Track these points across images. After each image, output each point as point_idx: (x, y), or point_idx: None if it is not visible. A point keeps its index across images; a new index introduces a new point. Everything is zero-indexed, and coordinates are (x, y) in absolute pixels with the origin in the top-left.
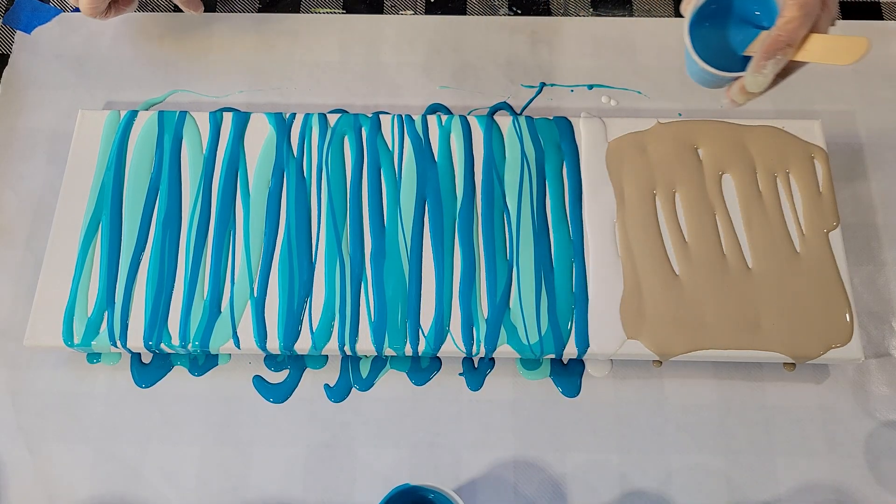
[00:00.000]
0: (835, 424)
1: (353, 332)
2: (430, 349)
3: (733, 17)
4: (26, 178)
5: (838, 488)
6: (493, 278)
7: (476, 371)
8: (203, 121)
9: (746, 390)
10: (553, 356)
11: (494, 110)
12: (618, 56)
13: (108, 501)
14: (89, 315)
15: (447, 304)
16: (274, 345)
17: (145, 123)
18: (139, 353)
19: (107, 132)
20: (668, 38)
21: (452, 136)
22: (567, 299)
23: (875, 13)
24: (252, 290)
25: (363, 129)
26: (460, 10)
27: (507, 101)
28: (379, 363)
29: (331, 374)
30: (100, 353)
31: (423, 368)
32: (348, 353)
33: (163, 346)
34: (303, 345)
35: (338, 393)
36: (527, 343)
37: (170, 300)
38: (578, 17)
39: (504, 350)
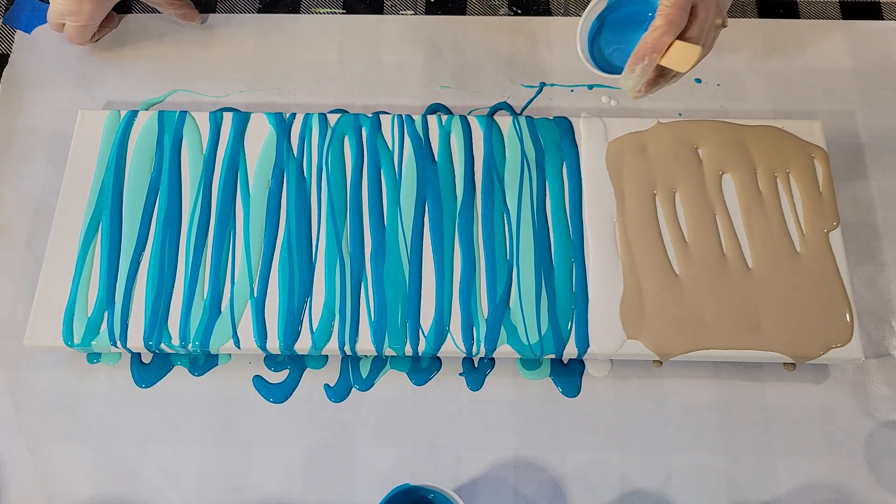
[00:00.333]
0: (835, 424)
1: (353, 332)
2: (430, 349)
3: (634, 23)
4: (26, 178)
5: (838, 488)
6: (493, 278)
7: (476, 371)
8: (203, 121)
9: (746, 390)
10: (553, 356)
11: (494, 110)
12: None
13: (109, 501)
14: (89, 315)
15: (447, 304)
16: (274, 345)
17: (145, 123)
18: (139, 353)
19: (107, 132)
20: None
21: (452, 136)
22: (567, 299)
23: (875, 13)
24: (252, 290)
25: (363, 129)
26: (460, 10)
27: (507, 101)
28: (379, 363)
29: (331, 374)
30: (100, 353)
31: (423, 368)
32: (348, 353)
33: (163, 346)
34: (303, 345)
35: (338, 393)
36: (527, 343)
37: (170, 300)
38: (579, 17)
39: (504, 350)
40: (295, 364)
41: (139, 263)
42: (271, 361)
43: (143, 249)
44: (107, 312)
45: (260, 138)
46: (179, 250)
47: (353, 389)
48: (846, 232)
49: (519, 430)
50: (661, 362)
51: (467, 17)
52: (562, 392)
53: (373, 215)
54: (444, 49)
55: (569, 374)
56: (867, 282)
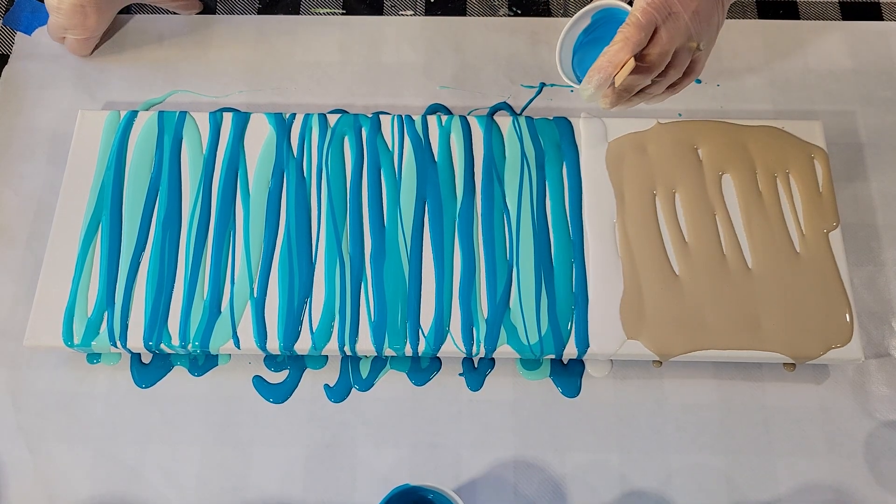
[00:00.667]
0: (835, 425)
1: (353, 332)
2: (430, 349)
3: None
4: (26, 179)
5: (838, 488)
6: (493, 278)
7: (476, 371)
8: (203, 121)
9: (746, 390)
10: (553, 356)
11: (494, 110)
12: None
13: (109, 501)
14: (89, 315)
15: (447, 305)
16: (274, 345)
17: (145, 124)
18: (139, 354)
19: (107, 132)
20: None
21: (452, 136)
22: (567, 299)
23: (875, 14)
24: (252, 290)
25: (363, 129)
26: (460, 10)
27: (507, 102)
28: (379, 363)
29: (331, 374)
30: (100, 354)
31: (423, 368)
32: (348, 353)
33: (163, 346)
34: (303, 345)
35: (338, 393)
36: (527, 343)
37: (170, 300)
38: None
39: (504, 350)
40: (295, 364)
41: (139, 263)
42: (271, 362)
43: (143, 249)
44: (107, 313)
45: (260, 138)
46: (179, 250)
47: (353, 389)
48: (846, 232)
49: (519, 430)
50: (661, 362)
51: (467, 17)
52: (562, 392)
53: (373, 215)
54: (443, 49)
55: (569, 375)
56: (867, 282)
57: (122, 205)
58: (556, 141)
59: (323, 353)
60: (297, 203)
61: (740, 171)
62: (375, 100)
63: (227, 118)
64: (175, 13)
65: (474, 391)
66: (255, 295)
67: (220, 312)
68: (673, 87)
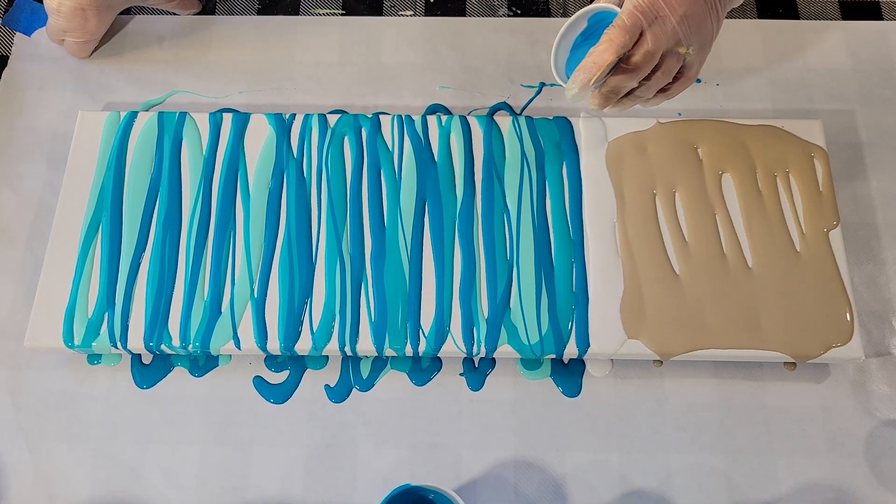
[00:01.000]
0: (835, 424)
1: (353, 332)
2: (431, 349)
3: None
4: (26, 179)
5: (839, 488)
6: (494, 278)
7: (476, 371)
8: (203, 121)
9: (747, 390)
10: (553, 356)
11: (494, 110)
12: None
13: (109, 502)
14: (89, 316)
15: (447, 305)
16: (274, 345)
17: (145, 124)
18: (139, 354)
19: (106, 133)
20: None
21: (452, 136)
22: (567, 299)
23: (875, 13)
24: (252, 290)
25: (363, 129)
26: (460, 10)
27: (507, 101)
28: (379, 363)
29: (331, 374)
30: (100, 354)
31: (423, 368)
32: (349, 353)
33: (163, 346)
34: (303, 345)
35: (338, 393)
36: (527, 343)
37: (170, 301)
38: None
39: (504, 350)
40: (295, 364)
41: (139, 264)
42: (271, 362)
43: (144, 250)
44: (107, 313)
45: (260, 139)
46: (179, 251)
47: (354, 390)
48: (846, 231)
49: (519, 430)
50: (662, 362)
51: (467, 17)
52: (562, 392)
53: (373, 215)
54: (443, 49)
55: (569, 374)
56: (867, 281)
57: (122, 205)
58: (556, 140)
59: (323, 354)
60: (297, 203)
61: (740, 170)
62: (375, 100)
63: (227, 118)
64: (174, 14)
65: (475, 391)
66: (256, 295)
67: (220, 313)
68: (666, 91)
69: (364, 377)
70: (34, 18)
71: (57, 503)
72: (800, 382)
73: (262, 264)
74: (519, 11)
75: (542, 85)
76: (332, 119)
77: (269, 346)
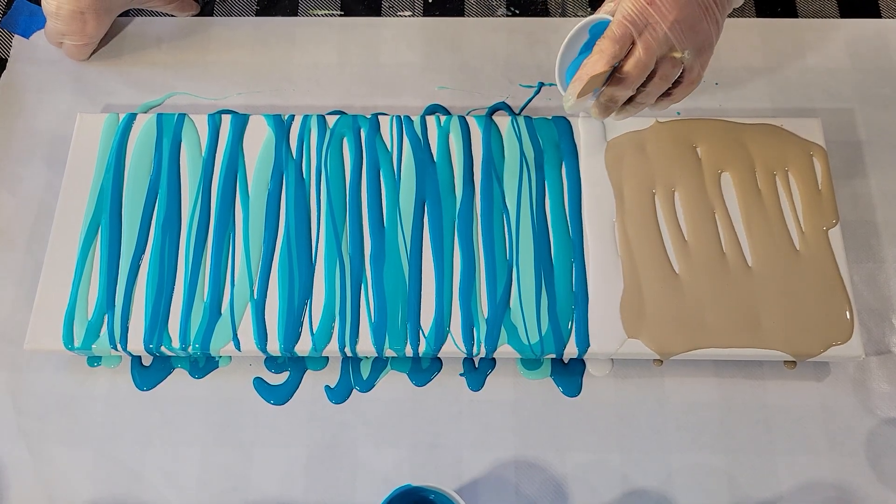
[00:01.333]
0: (836, 422)
1: (353, 333)
2: (431, 350)
3: None
4: (26, 182)
5: (839, 486)
6: (493, 278)
7: (477, 371)
8: (202, 123)
9: (747, 389)
10: (553, 356)
11: (493, 110)
12: None
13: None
14: (89, 318)
15: (447, 305)
16: (274, 346)
17: (144, 126)
18: (139, 356)
19: (105, 135)
20: None
21: (451, 136)
22: (567, 299)
23: (873, 11)
24: (252, 291)
25: (362, 129)
26: (458, 11)
27: (506, 101)
28: (379, 364)
29: (331, 375)
30: (100, 356)
31: (423, 369)
32: (349, 354)
33: (163, 348)
34: (303, 346)
35: (338, 394)
36: (527, 343)
37: (170, 303)
38: (576, 18)
39: (504, 350)
40: (295, 365)
41: (139, 266)
42: (272, 363)
43: (143, 252)
44: (107, 315)
45: (259, 140)
46: (179, 253)
47: (354, 390)
48: (846, 230)
49: (520, 430)
50: (662, 361)
51: (465, 18)
52: (562, 392)
53: (372, 216)
54: (442, 50)
55: (569, 374)
56: (867, 279)
57: (122, 207)
58: (555, 140)
59: (323, 355)
60: (296, 204)
61: (739, 169)
62: (374, 100)
63: (226, 120)
64: (173, 16)
65: (475, 391)
66: (255, 296)
67: (220, 314)
68: (668, 95)
69: (364, 378)
70: (32, 21)
71: None
72: (800, 381)
73: (262, 265)
74: (517, 11)
75: (541, 85)
76: (331, 120)
77: (269, 348)
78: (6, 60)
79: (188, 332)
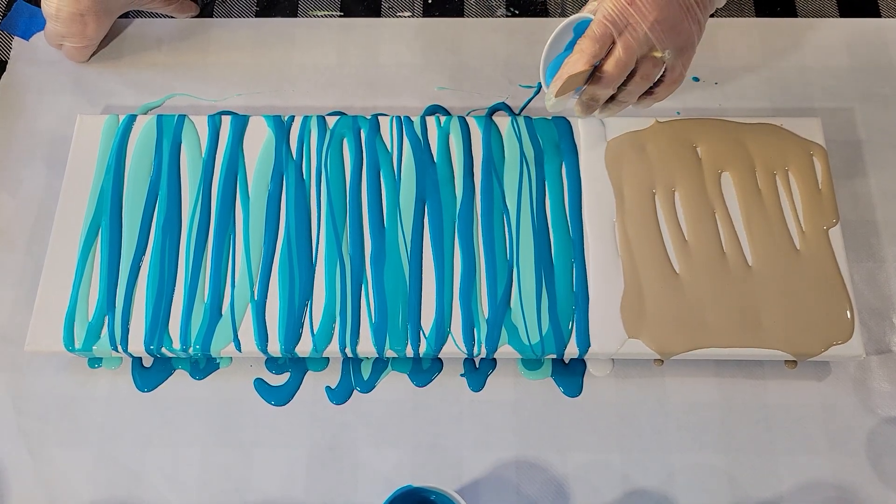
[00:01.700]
0: (836, 422)
1: (353, 333)
2: (431, 350)
3: None
4: (26, 183)
5: (840, 485)
6: (494, 278)
7: (477, 371)
8: (202, 124)
9: (748, 388)
10: (554, 356)
11: (493, 111)
12: None
13: None
14: (90, 319)
15: (448, 305)
16: (275, 347)
17: (144, 127)
18: (140, 357)
19: (105, 136)
20: None
21: (451, 136)
22: (567, 299)
23: (873, 10)
24: (252, 292)
25: (362, 130)
26: (458, 11)
27: (506, 102)
28: (380, 365)
29: (332, 375)
30: (101, 358)
31: (424, 369)
32: (349, 354)
33: (164, 349)
34: (304, 347)
35: (339, 395)
36: (528, 343)
37: (170, 304)
38: None
39: (505, 350)
40: (296, 366)
41: (139, 267)
42: (272, 364)
43: (143, 253)
44: (107, 317)
45: (258, 141)
46: (179, 254)
47: (355, 391)
48: (846, 229)
49: (520, 430)
50: (663, 361)
51: (465, 18)
52: (563, 392)
53: (372, 217)
54: (441, 50)
55: (570, 374)
56: (867, 278)
57: (122, 209)
58: (555, 140)
59: (324, 355)
60: (296, 205)
61: (739, 169)
62: (374, 101)
63: (226, 121)
64: (172, 17)
65: (476, 391)
66: (256, 297)
67: (220, 315)
68: (651, 94)
69: (365, 378)
70: (32, 22)
71: None
72: (801, 381)
73: (262, 266)
74: (517, 12)
75: (541, 85)
76: (331, 121)
77: (269, 348)
78: (6, 62)
79: (189, 334)
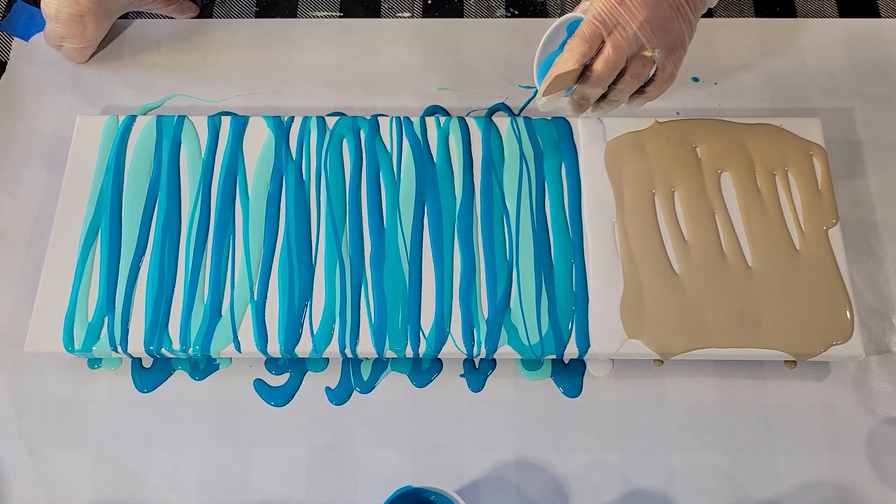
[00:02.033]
0: (836, 422)
1: (353, 334)
2: (431, 350)
3: None
4: (25, 184)
5: (840, 485)
6: (493, 279)
7: (477, 372)
8: (201, 125)
9: (748, 388)
10: (554, 356)
11: (492, 111)
12: None
13: None
14: (89, 320)
15: (447, 306)
16: (274, 348)
17: (143, 128)
18: (140, 358)
19: (105, 137)
20: None
21: (451, 137)
22: (567, 299)
23: (872, 10)
24: (252, 293)
25: (361, 131)
26: (457, 12)
27: (505, 102)
28: (380, 365)
29: (332, 376)
30: (100, 358)
31: (424, 370)
32: (349, 355)
33: (163, 350)
34: (303, 347)
35: (339, 395)
36: (527, 343)
37: (170, 304)
38: None
39: (505, 351)
40: (296, 367)
41: (139, 268)
42: (272, 364)
43: (143, 254)
44: (107, 317)
45: (258, 142)
46: (179, 254)
47: (354, 391)
48: (845, 229)
49: (520, 430)
50: (662, 361)
51: (464, 19)
52: (563, 392)
53: (372, 217)
54: (441, 51)
55: (570, 374)
56: (867, 278)
57: (122, 209)
58: (555, 141)
59: (324, 356)
60: (296, 206)
61: (739, 169)
62: (373, 102)
63: (226, 122)
64: (172, 18)
65: (475, 392)
66: (256, 298)
67: (220, 316)
68: (643, 93)
69: (365, 379)
70: (32, 23)
71: None
72: (800, 381)
73: (262, 267)
74: (516, 12)
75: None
76: (331, 121)
77: (269, 349)
78: (6, 63)
79: (188, 334)
